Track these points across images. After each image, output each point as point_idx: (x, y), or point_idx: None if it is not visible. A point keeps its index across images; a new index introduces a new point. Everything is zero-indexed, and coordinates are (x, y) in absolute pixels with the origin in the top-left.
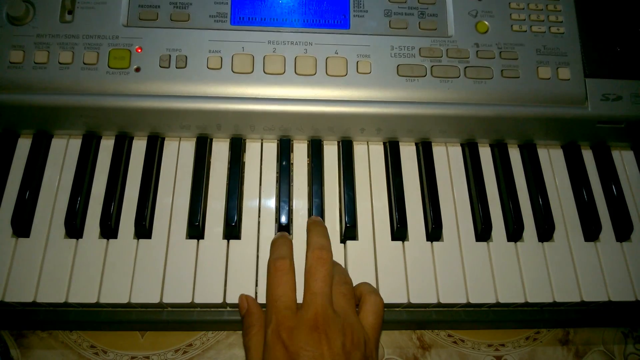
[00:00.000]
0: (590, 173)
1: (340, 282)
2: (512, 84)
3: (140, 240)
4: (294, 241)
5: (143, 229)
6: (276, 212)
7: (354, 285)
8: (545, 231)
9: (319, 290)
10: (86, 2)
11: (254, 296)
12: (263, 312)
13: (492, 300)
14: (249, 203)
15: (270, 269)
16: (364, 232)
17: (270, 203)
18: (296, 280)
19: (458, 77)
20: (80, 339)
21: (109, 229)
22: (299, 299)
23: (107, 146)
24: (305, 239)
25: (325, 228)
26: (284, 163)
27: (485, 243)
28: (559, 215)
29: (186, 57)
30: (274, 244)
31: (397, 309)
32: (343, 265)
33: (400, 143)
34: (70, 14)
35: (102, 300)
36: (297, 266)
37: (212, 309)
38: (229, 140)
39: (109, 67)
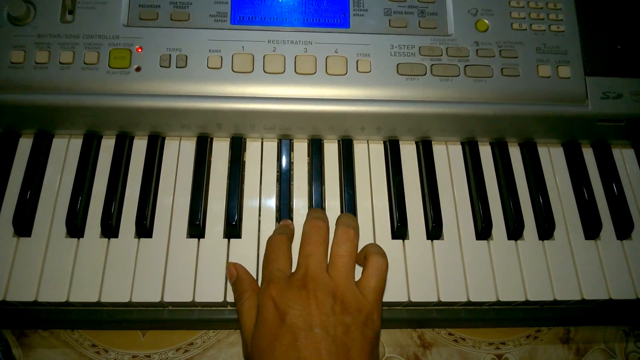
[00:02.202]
0: (591, 171)
1: (341, 240)
2: (512, 83)
3: (141, 239)
4: (295, 241)
5: (144, 228)
6: (277, 211)
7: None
8: (546, 229)
9: (310, 253)
10: (87, 2)
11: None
12: (253, 277)
13: (492, 299)
14: (250, 202)
15: (268, 241)
16: (364, 230)
17: (271, 202)
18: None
19: (458, 76)
20: (81, 338)
21: (109, 228)
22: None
23: (107, 146)
24: None
25: (323, 210)
26: (284, 162)
27: (485, 241)
28: (559, 213)
29: (186, 56)
30: (274, 231)
31: (398, 308)
32: None
33: (400, 142)
34: (71, 14)
35: (103, 300)
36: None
37: (213, 308)
38: (229, 139)
39: (109, 66)
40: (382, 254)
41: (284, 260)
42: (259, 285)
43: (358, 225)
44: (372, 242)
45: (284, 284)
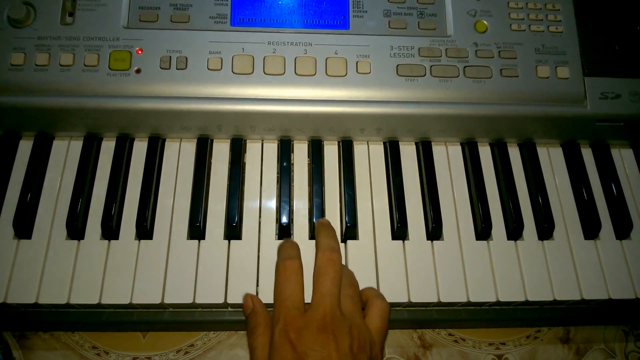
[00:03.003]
0: (590, 171)
1: (348, 284)
2: (511, 83)
3: (141, 241)
4: (294, 240)
5: (144, 230)
6: (277, 213)
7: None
8: (545, 230)
9: (328, 291)
10: (87, 4)
11: (256, 293)
12: (268, 312)
13: (492, 299)
14: (250, 203)
15: (279, 268)
16: (364, 231)
17: (271, 203)
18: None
19: (457, 77)
20: (82, 340)
21: (110, 230)
22: (307, 299)
23: (108, 148)
24: (306, 239)
25: (334, 230)
26: (284, 163)
27: (485, 242)
28: (558, 213)
29: (186, 58)
30: (282, 246)
31: (398, 308)
32: (346, 266)
33: (400, 142)
34: (71, 16)
35: (104, 301)
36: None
37: (214, 309)
38: (229, 141)
39: (109, 68)
40: (384, 298)
41: (299, 294)
42: (270, 314)
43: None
44: (372, 243)
45: (302, 324)
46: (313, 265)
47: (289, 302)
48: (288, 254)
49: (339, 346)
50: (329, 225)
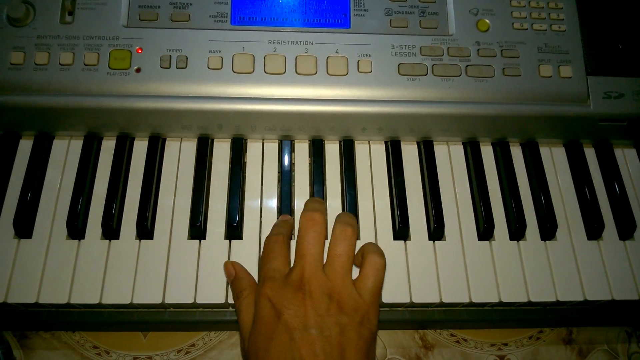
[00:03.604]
0: (593, 171)
1: (338, 238)
2: (514, 83)
3: (142, 240)
4: (295, 242)
5: (145, 230)
6: (278, 212)
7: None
8: (548, 230)
9: (307, 252)
10: (86, 3)
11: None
12: (251, 276)
13: (494, 300)
14: (251, 203)
15: (265, 242)
16: (365, 231)
17: (272, 203)
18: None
19: (459, 76)
20: (82, 340)
21: (110, 230)
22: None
23: (108, 147)
24: None
25: (321, 200)
26: (285, 163)
27: (487, 242)
28: (561, 213)
29: (187, 57)
30: (274, 225)
31: (400, 309)
32: None
33: (401, 142)
34: (71, 15)
35: (105, 301)
36: None
37: (215, 309)
38: (230, 140)
39: (109, 67)
40: (380, 253)
41: (281, 259)
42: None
43: (357, 223)
44: (374, 242)
45: (281, 284)
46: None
47: (270, 265)
48: (275, 231)
49: (315, 305)
50: (317, 198)
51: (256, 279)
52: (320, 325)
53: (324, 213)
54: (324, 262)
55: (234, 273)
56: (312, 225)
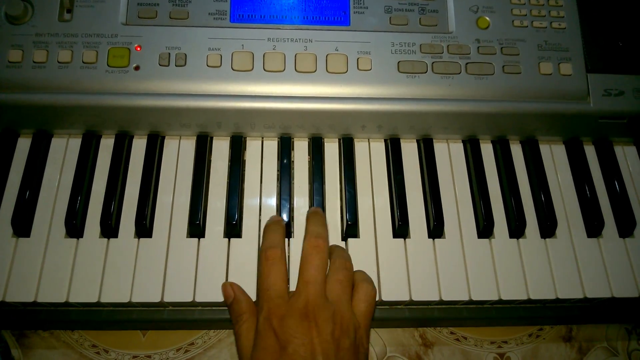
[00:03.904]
0: (593, 169)
1: (340, 267)
2: (514, 80)
3: (140, 239)
4: (295, 240)
5: (143, 228)
6: (277, 210)
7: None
8: (548, 227)
9: (312, 279)
10: (85, 1)
11: (255, 293)
12: (250, 299)
13: (494, 297)
14: (250, 201)
15: (261, 258)
16: (365, 229)
17: (271, 201)
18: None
19: (459, 73)
20: (81, 339)
21: (109, 228)
22: (293, 286)
23: (107, 145)
24: None
25: (324, 217)
26: (284, 161)
27: (487, 240)
28: (561, 211)
29: (185, 55)
30: (266, 229)
31: (400, 307)
32: None
33: (401, 140)
34: (69, 12)
35: (103, 300)
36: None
37: (214, 308)
38: (229, 138)
39: (108, 65)
40: (372, 282)
41: (282, 283)
42: (253, 302)
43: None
44: (374, 241)
45: (284, 312)
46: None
47: (272, 291)
48: (270, 241)
49: (321, 332)
50: (319, 212)
51: (256, 277)
52: (326, 352)
53: (327, 238)
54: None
55: (232, 295)
56: (317, 252)
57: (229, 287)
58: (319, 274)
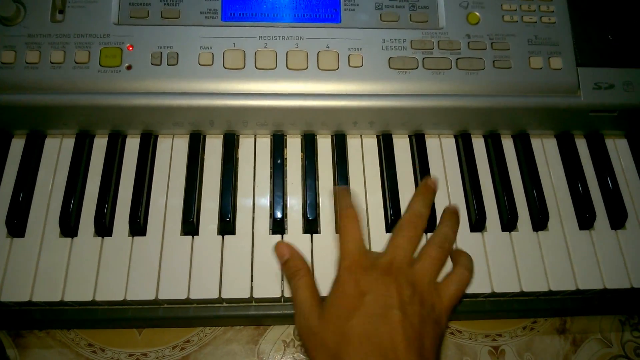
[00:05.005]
0: (584, 162)
1: (436, 244)
2: (504, 75)
3: (134, 237)
4: (289, 236)
5: (137, 227)
6: (270, 207)
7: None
8: (540, 220)
9: (400, 244)
10: (77, 1)
11: (249, 290)
12: (303, 258)
13: (487, 290)
14: (243, 199)
15: (342, 214)
16: None
17: (265, 198)
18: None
19: (450, 69)
20: (77, 338)
21: (103, 227)
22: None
23: (100, 145)
24: (300, 233)
25: (431, 199)
26: (277, 158)
27: (479, 233)
28: (553, 204)
29: (177, 54)
30: (338, 195)
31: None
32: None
33: (393, 136)
34: (61, 13)
35: (98, 298)
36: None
37: (209, 305)
38: (222, 136)
39: (100, 65)
40: (471, 270)
41: (360, 236)
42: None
43: (455, 239)
44: (367, 236)
45: (367, 264)
46: (306, 258)
47: (353, 243)
48: (346, 202)
49: (400, 291)
50: (429, 192)
51: (251, 275)
52: (404, 309)
53: (426, 219)
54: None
55: (287, 253)
56: (412, 226)
57: (283, 246)
58: (408, 244)
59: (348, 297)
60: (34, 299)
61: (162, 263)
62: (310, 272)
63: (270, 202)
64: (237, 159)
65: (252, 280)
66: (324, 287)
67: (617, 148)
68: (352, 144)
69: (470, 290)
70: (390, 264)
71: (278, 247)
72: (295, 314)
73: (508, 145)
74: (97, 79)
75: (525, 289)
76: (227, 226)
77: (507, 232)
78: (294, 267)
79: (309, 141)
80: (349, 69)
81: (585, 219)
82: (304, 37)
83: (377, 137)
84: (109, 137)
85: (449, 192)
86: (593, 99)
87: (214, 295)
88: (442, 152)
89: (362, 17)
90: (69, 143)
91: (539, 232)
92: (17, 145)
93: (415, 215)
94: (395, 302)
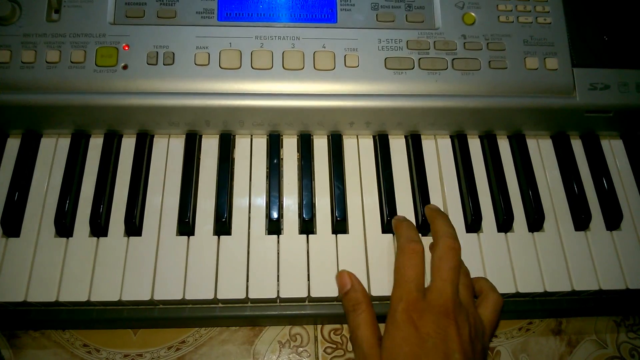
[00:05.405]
0: (580, 162)
1: (463, 273)
2: (500, 75)
3: (130, 237)
4: (285, 236)
5: (133, 227)
6: (266, 208)
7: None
8: (535, 221)
9: (449, 278)
10: (73, 1)
11: (245, 291)
12: (366, 290)
13: None
14: (239, 199)
15: (405, 249)
16: (354, 225)
17: (261, 198)
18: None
19: (446, 69)
20: (72, 338)
21: (98, 227)
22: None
23: (96, 145)
24: (296, 234)
25: (446, 216)
26: (273, 158)
27: (475, 234)
28: (548, 205)
29: (173, 53)
30: (399, 226)
31: (388, 302)
32: (337, 260)
33: (389, 136)
34: (57, 12)
35: (93, 299)
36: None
37: (204, 305)
38: (218, 136)
39: (96, 65)
40: (498, 292)
41: (421, 278)
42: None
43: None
44: (363, 237)
45: (425, 306)
46: (301, 259)
47: (413, 284)
48: (411, 235)
49: (460, 332)
50: (441, 211)
51: (247, 276)
52: (464, 351)
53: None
54: None
55: (349, 284)
56: (454, 254)
57: (346, 276)
58: (455, 275)
59: (409, 344)
60: (29, 299)
61: (158, 263)
62: (371, 306)
63: (266, 202)
64: (233, 159)
65: (247, 281)
66: (322, 287)
67: (613, 149)
68: (349, 144)
69: None
70: (445, 303)
71: (340, 276)
72: (355, 350)
73: (504, 146)
74: (93, 78)
75: (520, 290)
76: (223, 226)
77: (503, 233)
78: (355, 299)
79: (305, 141)
80: (345, 69)
81: (581, 220)
82: (300, 37)
83: (374, 137)
84: (104, 137)
85: (445, 193)
86: (588, 100)
87: (210, 295)
88: (438, 152)
89: (358, 17)
90: (64, 143)
91: (535, 233)
92: (12, 145)
93: (451, 239)
94: (456, 346)
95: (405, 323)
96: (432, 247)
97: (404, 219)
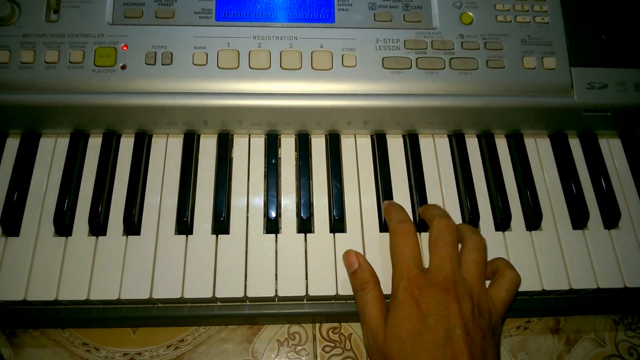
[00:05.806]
0: (578, 161)
1: (475, 247)
2: (498, 75)
3: (129, 236)
4: (283, 235)
5: (132, 226)
6: (264, 207)
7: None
8: (533, 220)
9: (448, 255)
10: (71, 1)
11: (243, 289)
12: (373, 270)
13: None
14: (238, 198)
15: (397, 230)
16: (352, 224)
17: (259, 198)
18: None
19: (443, 69)
20: (72, 337)
21: (97, 227)
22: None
23: (95, 144)
24: (294, 233)
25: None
26: (271, 157)
27: None
28: (546, 204)
29: (172, 53)
30: (389, 209)
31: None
32: (335, 258)
33: (387, 135)
34: (56, 13)
35: (92, 297)
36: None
37: (203, 304)
38: (216, 136)
39: (95, 65)
40: (516, 271)
41: (418, 255)
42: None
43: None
44: (360, 236)
45: (425, 283)
46: (299, 258)
47: (411, 261)
48: (400, 216)
49: (462, 308)
50: (432, 204)
51: (245, 274)
52: (466, 327)
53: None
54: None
55: (356, 264)
56: (449, 230)
57: (353, 255)
58: (453, 251)
59: (411, 321)
60: (29, 298)
61: (156, 262)
62: (378, 284)
63: (264, 201)
64: (231, 159)
65: (246, 280)
66: (320, 286)
67: (611, 148)
68: (346, 144)
69: None
70: (445, 279)
71: (347, 256)
72: (363, 328)
73: (502, 145)
74: (92, 78)
75: (519, 288)
76: (221, 225)
77: (501, 232)
78: (362, 279)
79: (303, 141)
80: (342, 69)
81: (579, 219)
82: (297, 37)
83: (371, 136)
84: (103, 137)
85: (443, 192)
86: (586, 99)
87: (208, 294)
88: (435, 151)
89: (356, 17)
90: (63, 142)
91: (533, 232)
92: (11, 145)
93: (445, 218)
94: (457, 321)
95: (408, 301)
96: (429, 232)
97: (394, 202)
